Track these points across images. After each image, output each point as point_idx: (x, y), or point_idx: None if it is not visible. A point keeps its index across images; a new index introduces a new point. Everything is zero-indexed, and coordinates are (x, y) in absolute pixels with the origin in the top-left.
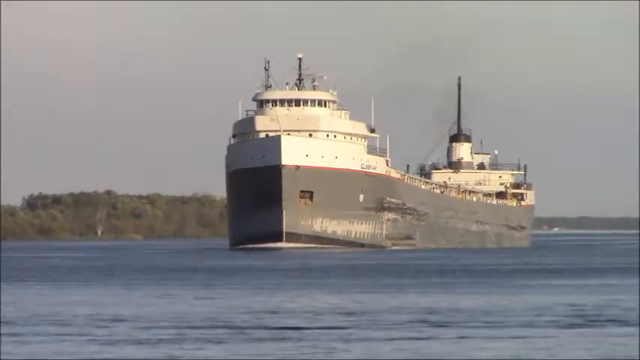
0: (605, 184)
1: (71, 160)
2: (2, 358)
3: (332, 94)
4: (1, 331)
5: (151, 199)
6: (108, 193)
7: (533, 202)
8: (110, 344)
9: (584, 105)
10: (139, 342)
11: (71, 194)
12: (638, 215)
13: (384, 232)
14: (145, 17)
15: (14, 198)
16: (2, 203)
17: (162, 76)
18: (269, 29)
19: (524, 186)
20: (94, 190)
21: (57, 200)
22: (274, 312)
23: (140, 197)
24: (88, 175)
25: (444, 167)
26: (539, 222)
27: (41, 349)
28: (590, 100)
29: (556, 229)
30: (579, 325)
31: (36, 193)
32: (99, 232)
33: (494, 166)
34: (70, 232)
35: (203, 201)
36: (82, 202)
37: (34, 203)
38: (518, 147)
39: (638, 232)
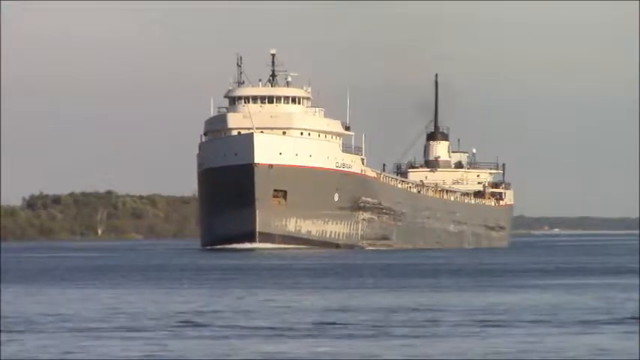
0: (605, 184)
1: (71, 160)
2: None
3: (306, 90)
4: None
5: (151, 199)
6: (108, 193)
7: (512, 202)
8: None
9: (584, 105)
10: None
11: (71, 194)
12: (638, 215)
13: (359, 232)
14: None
15: (14, 198)
16: (2, 203)
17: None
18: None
19: (503, 185)
20: (94, 190)
21: (57, 200)
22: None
23: (140, 197)
24: (88, 175)
25: (421, 166)
26: (540, 223)
27: None
28: (590, 99)
29: (556, 229)
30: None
31: (36, 193)
32: (99, 232)
33: (472, 165)
34: (70, 232)
35: None
36: (82, 202)
37: (34, 203)
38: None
39: (638, 232)
